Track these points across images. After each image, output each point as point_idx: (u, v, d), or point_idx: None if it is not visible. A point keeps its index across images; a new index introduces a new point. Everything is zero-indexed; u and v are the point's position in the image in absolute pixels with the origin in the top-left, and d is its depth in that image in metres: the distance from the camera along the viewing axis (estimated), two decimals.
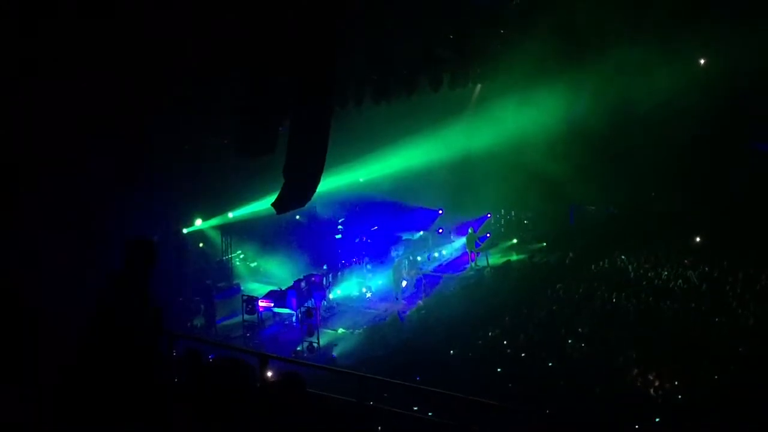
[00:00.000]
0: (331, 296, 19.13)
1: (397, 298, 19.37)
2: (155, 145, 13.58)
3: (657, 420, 10.25)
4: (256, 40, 9.33)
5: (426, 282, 20.25)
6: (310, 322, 16.01)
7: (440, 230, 24.87)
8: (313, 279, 18.46)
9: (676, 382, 11.43)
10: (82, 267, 12.80)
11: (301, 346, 15.87)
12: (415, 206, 24.91)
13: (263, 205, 17.42)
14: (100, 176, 12.62)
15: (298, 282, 18.03)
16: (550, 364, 12.54)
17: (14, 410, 4.70)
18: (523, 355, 13.11)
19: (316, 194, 11.53)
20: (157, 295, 4.94)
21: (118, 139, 11.07)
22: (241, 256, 21.61)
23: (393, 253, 22.08)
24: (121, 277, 4.74)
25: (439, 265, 23.02)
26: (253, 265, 21.59)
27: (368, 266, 20.69)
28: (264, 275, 20.94)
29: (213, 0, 9.37)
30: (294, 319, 17.35)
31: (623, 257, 19.72)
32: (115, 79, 9.50)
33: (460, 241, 23.88)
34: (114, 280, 4.75)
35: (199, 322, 17.17)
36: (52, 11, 7.84)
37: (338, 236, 22.62)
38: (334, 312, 18.41)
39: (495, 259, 22.44)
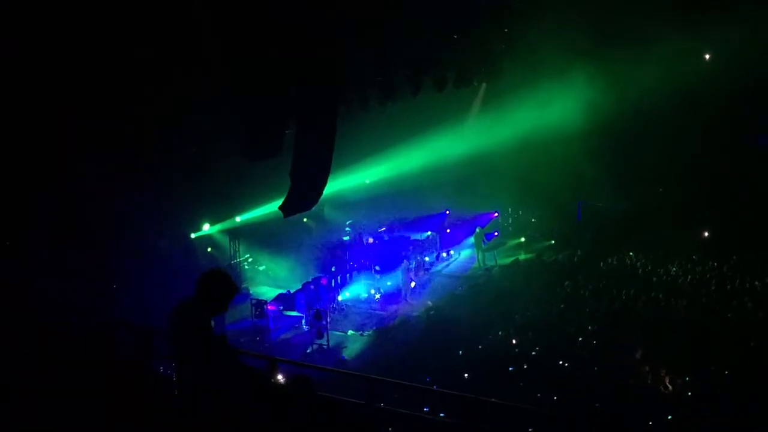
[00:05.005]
0: (339, 298, 19.13)
1: (405, 299, 19.35)
2: (162, 150, 13.62)
3: (669, 417, 10.19)
4: (262, 43, 9.36)
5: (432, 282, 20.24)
6: (319, 324, 16.02)
7: (448, 230, 24.85)
8: (321, 281, 18.49)
9: (687, 378, 11.38)
10: (91, 272, 12.90)
11: (310, 348, 15.88)
12: (422, 215, 24.85)
13: (271, 208, 17.50)
14: (107, 182, 12.70)
15: (306, 284, 18.05)
16: (560, 363, 12.50)
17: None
18: (533, 354, 13.07)
19: (323, 196, 11.57)
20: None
21: (123, 145, 11.11)
22: (250, 260, 21.65)
23: (401, 254, 22.05)
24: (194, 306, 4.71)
25: (447, 266, 23.00)
26: (261, 268, 21.62)
27: (376, 267, 20.67)
28: (272, 278, 20.96)
29: (219, 3, 9.40)
30: (303, 321, 17.37)
31: (632, 254, 19.68)
32: (120, 83, 9.53)
33: (468, 241, 23.84)
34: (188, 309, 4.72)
35: None
36: (53, 12, 7.86)
37: (346, 238, 22.62)
38: (343, 314, 18.40)
39: (503, 258, 22.39)
